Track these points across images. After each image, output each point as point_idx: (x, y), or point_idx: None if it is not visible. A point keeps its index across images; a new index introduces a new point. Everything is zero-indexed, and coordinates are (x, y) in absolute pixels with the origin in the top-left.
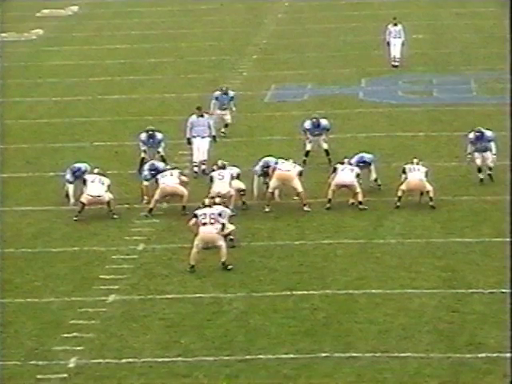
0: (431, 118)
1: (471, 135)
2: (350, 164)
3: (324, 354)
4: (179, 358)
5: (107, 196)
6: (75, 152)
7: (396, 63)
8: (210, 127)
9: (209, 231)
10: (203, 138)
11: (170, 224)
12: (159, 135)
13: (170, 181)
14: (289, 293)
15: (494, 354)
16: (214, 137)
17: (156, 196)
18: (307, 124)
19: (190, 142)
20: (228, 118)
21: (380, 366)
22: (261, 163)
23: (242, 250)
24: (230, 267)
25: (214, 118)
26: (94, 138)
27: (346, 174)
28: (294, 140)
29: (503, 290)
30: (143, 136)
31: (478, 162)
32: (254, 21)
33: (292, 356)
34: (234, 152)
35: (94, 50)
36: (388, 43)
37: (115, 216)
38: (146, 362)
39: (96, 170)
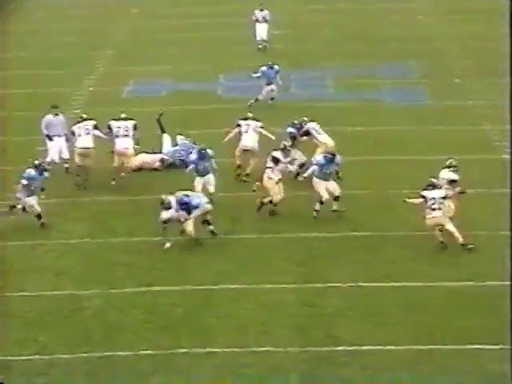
0: (288, 113)
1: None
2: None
3: (183, 350)
4: (36, 356)
5: None
6: None
7: (261, 45)
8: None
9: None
10: (60, 136)
11: (25, 221)
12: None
13: None
14: (147, 289)
15: (352, 348)
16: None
17: None
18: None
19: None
20: (275, 91)
21: (239, 361)
22: None
23: (100, 245)
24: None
25: (264, 93)
26: None
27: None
28: (151, 136)
29: (360, 284)
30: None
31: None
32: (111, 16)
33: (151, 352)
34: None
35: None
36: (255, 27)
37: None
38: (3, 360)
39: None
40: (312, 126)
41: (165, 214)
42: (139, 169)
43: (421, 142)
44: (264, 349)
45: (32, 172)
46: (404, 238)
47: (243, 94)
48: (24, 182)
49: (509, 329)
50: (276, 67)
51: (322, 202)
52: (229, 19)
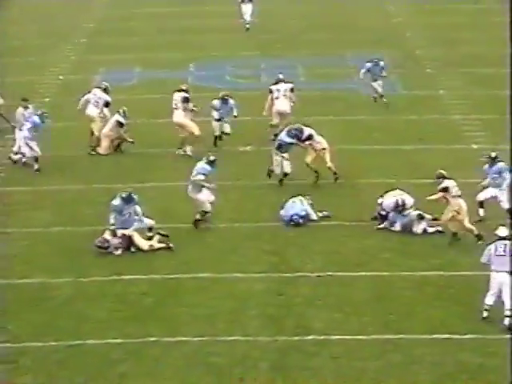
0: (259, 103)
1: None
2: None
3: (152, 339)
4: (6, 345)
5: None
6: None
7: (248, 26)
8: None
9: None
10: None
11: None
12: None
13: None
14: (117, 277)
15: (321, 337)
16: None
17: None
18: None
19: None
20: (381, 88)
21: (208, 350)
22: None
23: (69, 234)
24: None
25: (373, 88)
26: None
27: None
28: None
29: (329, 273)
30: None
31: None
32: (82, 4)
33: (121, 341)
34: (62, 138)
35: None
36: (240, 7)
37: None
38: None
39: None
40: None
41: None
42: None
43: (392, 132)
44: (233, 338)
45: (36, 119)
46: (373, 227)
47: (213, 83)
48: (28, 125)
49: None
50: (381, 63)
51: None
52: (202, 8)
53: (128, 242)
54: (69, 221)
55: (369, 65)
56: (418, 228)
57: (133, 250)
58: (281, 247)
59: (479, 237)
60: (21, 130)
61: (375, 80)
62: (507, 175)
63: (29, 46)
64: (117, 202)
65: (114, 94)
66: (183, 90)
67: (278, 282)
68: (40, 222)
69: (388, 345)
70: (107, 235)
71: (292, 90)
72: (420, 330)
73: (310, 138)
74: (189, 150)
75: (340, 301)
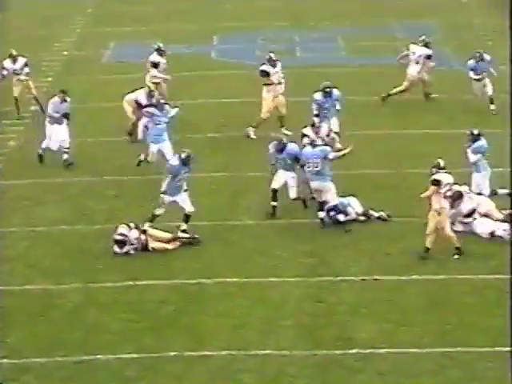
0: (295, 81)
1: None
2: None
3: (173, 353)
4: (5, 360)
5: None
6: None
7: None
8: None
9: None
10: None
11: None
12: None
13: None
14: (131, 283)
15: (367, 350)
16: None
17: None
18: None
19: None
20: (491, 89)
21: (237, 366)
22: None
23: (77, 233)
24: None
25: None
26: None
27: None
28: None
29: (376, 277)
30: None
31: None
32: None
33: (136, 356)
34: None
35: None
36: None
37: None
38: None
39: None
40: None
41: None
42: None
43: (447, 114)
44: (265, 352)
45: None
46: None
47: (241, 58)
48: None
49: None
50: (487, 57)
51: None
52: None
53: (145, 241)
54: (76, 218)
55: (472, 63)
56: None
57: (151, 247)
58: (320, 247)
59: (458, 250)
60: (59, 123)
61: (480, 79)
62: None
63: (29, 17)
64: (175, 162)
65: (126, 71)
66: None
67: (317, 287)
68: (43, 220)
69: (445, 359)
70: (123, 229)
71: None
72: (481, 342)
73: None
74: (252, 132)
75: (388, 309)
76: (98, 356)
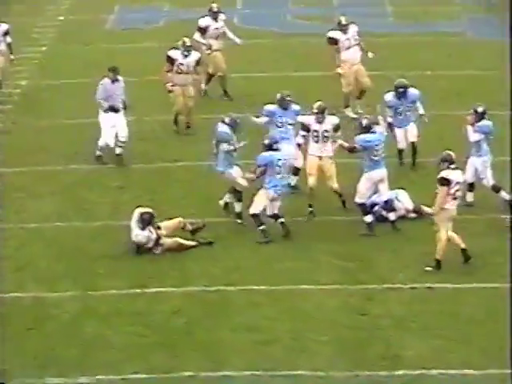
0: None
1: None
2: None
3: (187, 373)
4: None
5: None
6: None
7: None
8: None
9: None
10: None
11: None
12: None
13: None
14: (139, 290)
15: (416, 371)
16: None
17: None
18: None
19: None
20: None
21: None
22: None
23: (75, 231)
24: None
25: None
26: None
27: None
28: (144, 81)
29: (428, 285)
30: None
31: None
32: None
33: (144, 376)
34: (66, 100)
35: None
36: None
37: None
38: None
39: None
40: None
41: None
42: None
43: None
44: (297, 372)
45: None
46: (489, 222)
47: (269, 25)
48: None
49: None
50: None
51: None
52: None
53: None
54: (74, 213)
55: None
56: None
57: (162, 244)
58: (361, 250)
59: (466, 255)
60: (116, 111)
61: None
62: None
63: None
64: (222, 128)
65: (133, 40)
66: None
67: (358, 297)
68: (36, 215)
69: (507, 383)
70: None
71: None
72: None
73: None
74: (349, 110)
75: (441, 322)
76: (98, 376)
